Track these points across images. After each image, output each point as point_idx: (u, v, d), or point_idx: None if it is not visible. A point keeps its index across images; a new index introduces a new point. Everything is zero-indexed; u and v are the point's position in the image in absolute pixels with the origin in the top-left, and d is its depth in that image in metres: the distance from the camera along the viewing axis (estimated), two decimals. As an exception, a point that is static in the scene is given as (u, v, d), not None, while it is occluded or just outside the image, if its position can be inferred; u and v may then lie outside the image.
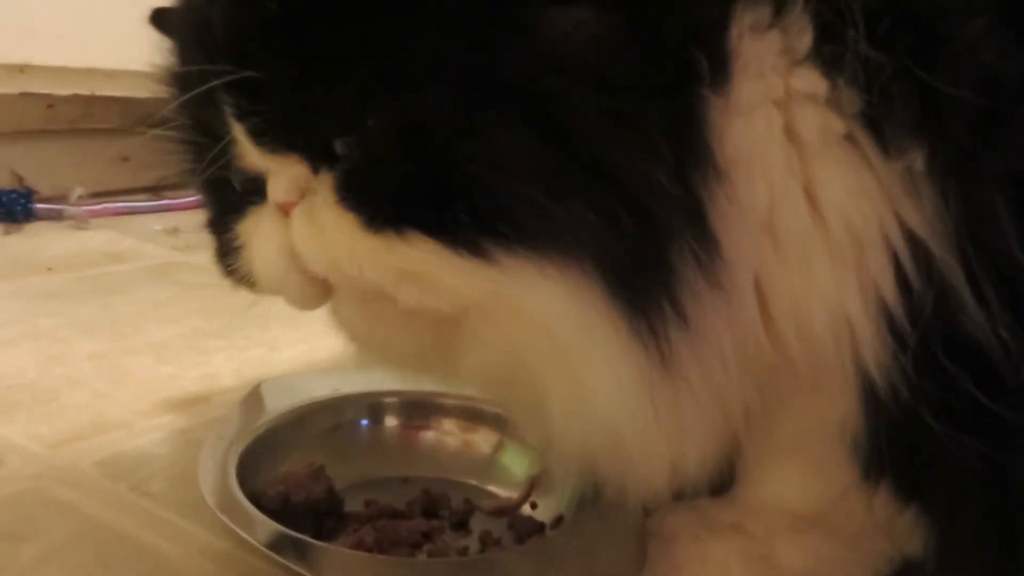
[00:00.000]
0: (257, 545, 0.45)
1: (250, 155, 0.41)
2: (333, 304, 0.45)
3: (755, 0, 0.37)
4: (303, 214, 0.41)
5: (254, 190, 0.44)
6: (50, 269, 1.09)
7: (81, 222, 1.30)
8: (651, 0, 0.37)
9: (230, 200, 0.45)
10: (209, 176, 0.44)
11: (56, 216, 1.31)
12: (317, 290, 0.43)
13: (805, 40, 0.37)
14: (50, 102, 1.34)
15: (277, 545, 0.45)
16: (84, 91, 1.33)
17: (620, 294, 0.37)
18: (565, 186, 0.36)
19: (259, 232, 0.44)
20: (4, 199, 1.28)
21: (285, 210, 0.41)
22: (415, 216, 0.37)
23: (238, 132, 0.40)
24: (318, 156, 0.40)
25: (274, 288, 0.45)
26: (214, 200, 0.48)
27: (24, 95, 1.33)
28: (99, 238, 1.25)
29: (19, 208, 1.28)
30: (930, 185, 0.36)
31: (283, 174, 0.41)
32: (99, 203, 1.35)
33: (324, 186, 0.39)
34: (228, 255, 0.47)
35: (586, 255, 0.37)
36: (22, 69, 1.33)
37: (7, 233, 1.25)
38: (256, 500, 0.50)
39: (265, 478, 0.53)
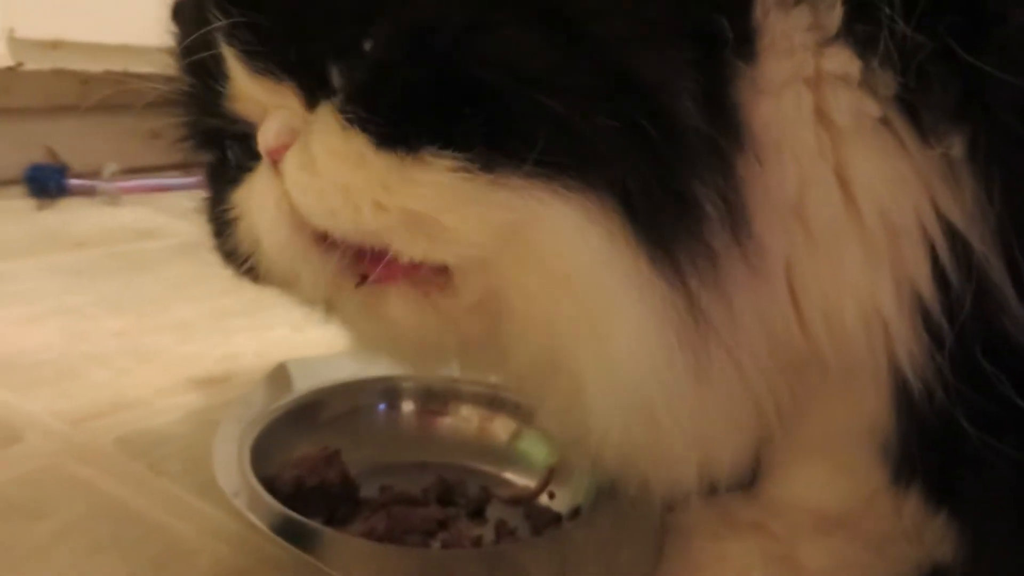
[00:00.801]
0: (266, 530, 0.44)
1: (242, 88, 0.39)
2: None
3: None
4: (295, 158, 0.37)
5: (249, 156, 0.41)
6: (81, 245, 1.10)
7: (113, 198, 1.31)
8: None
9: (226, 175, 0.44)
10: (205, 143, 0.43)
11: (89, 192, 1.32)
12: (322, 258, 0.39)
13: (835, 16, 0.35)
14: (84, 78, 1.34)
15: (286, 531, 0.44)
16: (117, 68, 1.33)
17: (642, 226, 0.34)
18: (585, 95, 0.34)
19: (255, 194, 0.41)
20: (38, 175, 1.29)
21: (276, 159, 0.38)
22: (430, 132, 0.34)
23: (231, 57, 0.38)
24: (313, 85, 0.37)
25: (280, 259, 0.41)
26: (210, 179, 0.46)
27: (58, 71, 1.34)
28: (130, 215, 1.26)
29: (52, 184, 1.29)
30: (971, 174, 0.34)
31: (275, 114, 0.38)
32: (131, 179, 1.35)
33: (323, 116, 0.37)
34: (223, 233, 0.44)
35: (606, 177, 0.34)
36: (55, 45, 1.34)
37: (40, 208, 1.26)
38: (271, 484, 0.50)
39: (280, 461, 0.53)
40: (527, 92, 0.33)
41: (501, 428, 0.59)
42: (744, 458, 0.42)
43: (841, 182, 0.36)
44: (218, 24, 0.37)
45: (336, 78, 0.37)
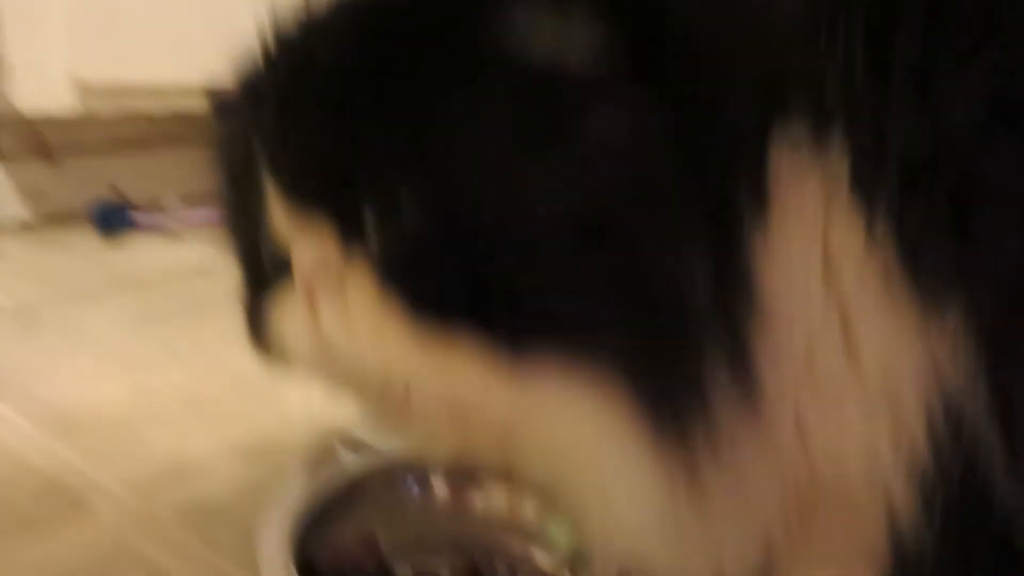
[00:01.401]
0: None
1: (278, 218, 0.40)
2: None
3: (792, 124, 0.36)
4: (329, 296, 0.40)
5: (284, 266, 0.43)
6: (146, 285, 1.15)
7: (176, 234, 1.37)
8: (695, 113, 0.36)
9: (262, 271, 0.45)
10: (241, 246, 0.46)
11: (153, 228, 1.38)
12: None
13: (843, 184, 0.35)
14: (149, 119, 1.41)
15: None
16: (179, 108, 1.39)
17: (653, 409, 0.36)
18: (600, 282, 0.36)
19: (287, 306, 0.43)
20: (104, 212, 1.36)
21: (311, 293, 0.40)
22: (463, 311, 0.37)
23: (269, 184, 0.40)
24: (349, 226, 0.39)
25: (309, 369, 0.43)
26: (246, 270, 0.48)
27: (123, 111, 1.40)
28: (192, 250, 1.31)
29: (118, 220, 1.36)
30: (967, 342, 0.34)
31: (310, 245, 0.40)
32: (194, 215, 1.41)
33: (359, 268, 0.39)
34: (256, 324, 0.46)
35: (622, 365, 0.36)
36: (122, 88, 1.40)
37: (106, 245, 1.32)
38: (310, 567, 0.53)
39: (319, 543, 0.56)
40: (558, 288, 0.36)
41: (530, 506, 0.61)
42: (750, 570, 0.44)
43: (847, 342, 0.36)
44: (260, 156, 0.40)
45: (369, 221, 0.38)
